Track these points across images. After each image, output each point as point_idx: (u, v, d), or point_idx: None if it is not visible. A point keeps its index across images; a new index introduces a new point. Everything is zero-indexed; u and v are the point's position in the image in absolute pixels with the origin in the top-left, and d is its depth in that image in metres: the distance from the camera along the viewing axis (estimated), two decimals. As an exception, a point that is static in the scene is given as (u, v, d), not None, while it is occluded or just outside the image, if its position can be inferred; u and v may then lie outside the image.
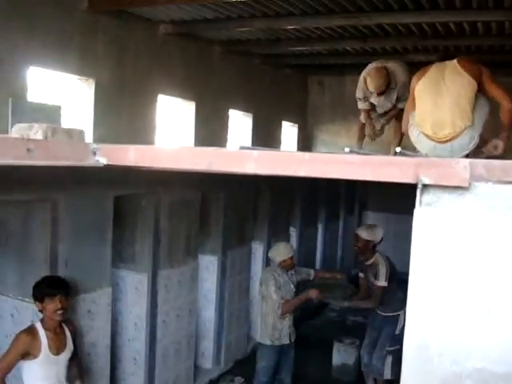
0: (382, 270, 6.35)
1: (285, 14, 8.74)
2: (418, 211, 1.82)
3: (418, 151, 4.45)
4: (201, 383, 7.21)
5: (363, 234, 6.54)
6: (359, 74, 6.71)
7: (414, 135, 4.47)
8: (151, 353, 6.14)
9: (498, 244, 1.75)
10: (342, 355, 7.84)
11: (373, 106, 6.76)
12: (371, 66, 6.48)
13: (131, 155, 2.13)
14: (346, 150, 2.08)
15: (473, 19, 8.92)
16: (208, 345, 7.58)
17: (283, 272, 6.15)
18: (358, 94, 6.73)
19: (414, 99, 4.56)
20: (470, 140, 4.36)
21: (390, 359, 6.57)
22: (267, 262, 8.58)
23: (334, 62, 12.79)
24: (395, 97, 6.44)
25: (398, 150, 2.66)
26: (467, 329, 1.77)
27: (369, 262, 6.54)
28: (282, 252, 6.14)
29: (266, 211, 8.52)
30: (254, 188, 8.10)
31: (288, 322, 6.16)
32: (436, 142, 4.34)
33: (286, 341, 6.15)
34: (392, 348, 6.49)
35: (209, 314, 7.51)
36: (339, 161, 1.83)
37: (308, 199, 10.10)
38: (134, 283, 6.06)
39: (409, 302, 1.85)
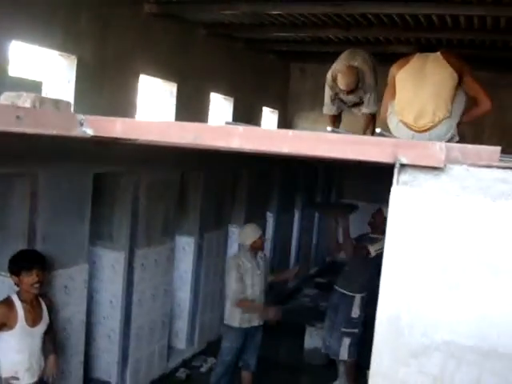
0: (382, 244, 6.38)
1: (270, -2, 8.76)
2: (394, 189, 1.89)
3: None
4: (174, 363, 7.27)
5: (385, 211, 6.54)
6: (342, 62, 6.80)
7: (393, 123, 4.55)
8: (126, 331, 6.18)
9: (469, 223, 1.83)
10: (313, 339, 7.95)
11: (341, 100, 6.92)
12: (342, 64, 6.58)
13: (118, 127, 2.16)
14: (328, 129, 2.14)
15: (455, 13, 9.02)
16: (182, 325, 7.64)
17: (252, 257, 6.13)
18: (327, 96, 6.84)
19: (393, 88, 4.63)
20: (447, 130, 4.48)
21: (347, 341, 6.64)
22: (242, 246, 8.69)
23: (317, 49, 12.82)
24: (362, 95, 6.63)
25: (378, 130, 2.73)
26: (437, 302, 1.86)
27: (374, 236, 6.55)
28: (250, 234, 6.14)
29: (243, 195, 8.57)
30: (233, 172, 8.15)
31: (259, 303, 6.16)
32: (415, 131, 4.43)
33: (255, 323, 6.14)
34: (348, 330, 6.59)
35: (184, 294, 7.56)
36: (321, 138, 1.90)
37: (286, 185, 10.18)
38: (111, 261, 6.08)
39: (383, 275, 1.93)
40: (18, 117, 1.91)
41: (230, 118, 12.61)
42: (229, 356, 6.13)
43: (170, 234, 6.76)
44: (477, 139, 12.26)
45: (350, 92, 6.52)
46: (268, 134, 2.00)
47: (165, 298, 6.82)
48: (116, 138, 2.23)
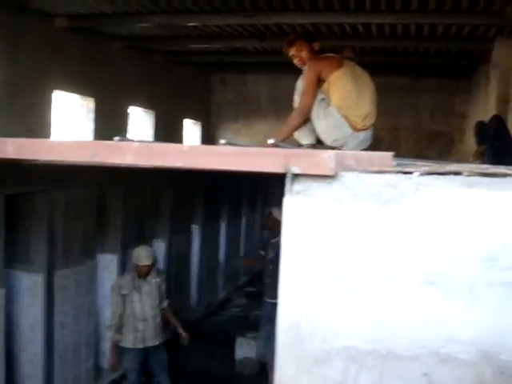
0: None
1: (183, 10, 8.75)
2: (287, 200, 1.91)
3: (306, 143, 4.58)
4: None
5: (276, 212, 6.60)
6: (260, 72, 6.86)
7: (335, 118, 4.49)
8: (49, 354, 5.98)
9: (361, 229, 1.87)
10: (244, 349, 7.95)
11: None
12: None
13: (10, 148, 2.09)
14: (222, 142, 2.15)
15: (367, 21, 9.30)
16: (108, 345, 7.45)
17: (137, 278, 6.13)
18: None
19: (317, 81, 4.57)
20: (371, 136, 4.65)
21: None
22: (169, 260, 8.60)
23: (235, 60, 12.92)
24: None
25: (271, 141, 2.75)
26: (335, 309, 1.89)
27: (274, 240, 6.55)
28: (140, 256, 6.12)
29: (167, 208, 8.48)
30: (156, 185, 8.05)
31: (151, 324, 6.16)
32: (358, 130, 4.53)
33: (150, 343, 6.15)
34: None
35: (109, 313, 7.39)
36: (215, 152, 1.90)
37: (211, 196, 10.15)
38: (29, 284, 5.87)
39: (281, 285, 1.94)
40: None
41: (151, 132, 12.51)
42: (132, 376, 6.20)
43: (91, 253, 6.60)
44: (394, 143, 12.53)
45: None
46: (162, 150, 1.98)
47: (88, 318, 6.64)
48: (10, 160, 2.16)
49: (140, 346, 6.11)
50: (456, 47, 11.16)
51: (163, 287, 6.41)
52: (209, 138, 15.38)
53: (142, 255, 6.17)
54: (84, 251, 6.42)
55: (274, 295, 6.66)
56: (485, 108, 10.41)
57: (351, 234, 1.87)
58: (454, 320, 1.86)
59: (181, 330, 6.48)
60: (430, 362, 1.88)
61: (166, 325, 6.47)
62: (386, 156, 2.03)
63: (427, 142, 14.27)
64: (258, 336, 7.16)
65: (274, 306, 6.49)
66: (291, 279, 1.91)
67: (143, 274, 6.16)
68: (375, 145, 4.81)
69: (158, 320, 6.26)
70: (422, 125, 14.42)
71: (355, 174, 1.90)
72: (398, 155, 2.38)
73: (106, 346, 7.40)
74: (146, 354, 6.19)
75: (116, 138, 2.38)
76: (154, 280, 6.25)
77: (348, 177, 1.88)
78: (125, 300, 6.09)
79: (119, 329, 6.10)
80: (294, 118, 4.53)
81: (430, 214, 1.85)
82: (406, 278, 1.86)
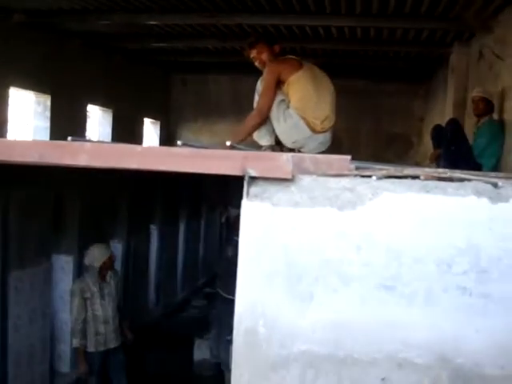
0: None
1: (143, 8, 8.65)
2: (245, 203, 1.88)
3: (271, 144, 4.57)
4: (58, 387, 6.96)
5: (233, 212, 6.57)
6: (221, 72, 6.82)
7: (294, 119, 4.47)
8: (2, 358, 5.84)
9: (318, 233, 1.85)
10: (202, 351, 7.90)
11: None
12: None
13: (-44, 147, 2.01)
14: (179, 143, 2.11)
15: (327, 24, 9.35)
16: (65, 347, 7.30)
17: (100, 277, 6.05)
18: None
19: (276, 83, 4.55)
20: (330, 137, 4.66)
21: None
22: (127, 261, 8.48)
23: (196, 60, 12.85)
24: None
25: (228, 143, 2.72)
26: (292, 313, 1.87)
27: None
28: (98, 256, 6.04)
29: (125, 208, 8.38)
30: (114, 185, 7.93)
31: (112, 326, 6.12)
32: (317, 132, 4.52)
33: (112, 344, 6.11)
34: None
35: (65, 316, 7.22)
36: (170, 153, 1.85)
37: (169, 197, 10.07)
38: (-18, 285, 5.73)
39: (237, 289, 1.91)
40: None
41: (109, 130, 12.33)
42: (92, 380, 6.11)
43: (46, 254, 6.46)
44: (353, 145, 12.64)
45: None
46: (116, 150, 1.93)
47: (44, 321, 6.51)
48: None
49: (102, 348, 6.04)
50: (415, 51, 11.31)
51: (120, 285, 6.36)
52: (168, 137, 15.25)
53: (104, 250, 6.11)
54: (39, 252, 6.28)
55: (227, 290, 6.65)
56: (442, 111, 10.58)
57: (308, 238, 1.85)
58: (410, 324, 1.87)
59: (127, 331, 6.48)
60: (387, 367, 1.88)
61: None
62: (344, 159, 2.02)
63: (386, 145, 14.43)
64: (210, 337, 7.10)
65: (226, 301, 6.48)
66: (248, 283, 1.89)
67: (110, 266, 6.11)
68: (335, 147, 4.83)
69: (117, 320, 6.21)
70: (381, 127, 14.59)
71: (313, 177, 1.88)
72: (357, 157, 2.37)
73: (62, 349, 7.26)
74: (105, 356, 6.12)
75: (69, 138, 2.32)
76: (112, 280, 6.17)
77: (305, 180, 1.87)
78: (86, 304, 5.98)
79: (83, 334, 5.98)
80: (252, 119, 4.51)
81: (387, 219, 1.85)
82: (362, 282, 1.86)
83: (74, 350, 6.13)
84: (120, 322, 6.34)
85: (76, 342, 6.01)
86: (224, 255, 6.61)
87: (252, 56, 4.70)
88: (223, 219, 6.64)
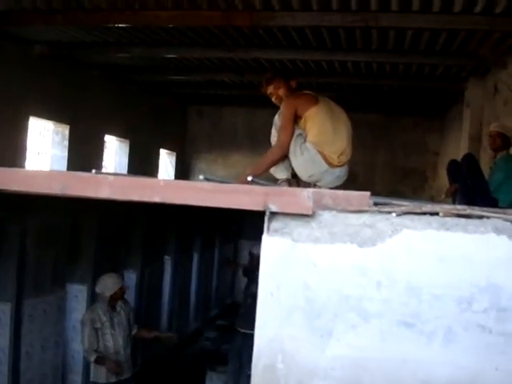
0: None
1: (163, 42, 8.80)
2: (265, 237, 1.89)
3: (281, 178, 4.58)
4: (68, 417, 6.91)
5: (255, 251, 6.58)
6: (237, 105, 6.90)
7: (311, 153, 4.51)
8: (14, 386, 5.83)
9: (338, 269, 1.85)
10: (214, 383, 7.84)
11: None
12: None
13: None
14: (201, 177, 2.13)
15: (343, 59, 9.45)
16: (76, 378, 7.27)
17: (111, 307, 6.06)
18: None
19: (293, 117, 4.58)
20: (347, 171, 4.67)
21: None
22: (141, 291, 8.48)
23: (213, 92, 12.99)
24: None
25: (250, 178, 2.74)
26: (312, 350, 1.86)
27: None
28: (109, 285, 6.05)
29: (140, 239, 8.40)
30: (129, 216, 7.98)
31: (123, 356, 6.09)
32: (333, 166, 4.53)
33: (124, 376, 6.08)
34: None
35: (77, 345, 7.21)
36: (193, 188, 1.88)
37: (183, 228, 10.08)
38: (-3, 313, 5.75)
39: (257, 324, 1.91)
40: None
41: (126, 161, 12.44)
42: None
43: (61, 283, 6.49)
44: (369, 178, 12.64)
45: None
46: (139, 184, 1.96)
47: (56, 350, 6.51)
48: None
49: (113, 379, 5.98)
50: (430, 86, 11.37)
51: (132, 315, 6.33)
52: (183, 168, 15.36)
53: (116, 280, 6.12)
54: (54, 280, 6.32)
55: (246, 325, 6.60)
56: (457, 146, 10.59)
57: (328, 274, 1.85)
58: (430, 362, 1.85)
59: (164, 334, 6.42)
60: (406, 405, 1.86)
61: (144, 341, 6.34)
62: (364, 195, 2.03)
63: (401, 178, 14.43)
64: (228, 370, 7.06)
65: (245, 336, 6.46)
66: (267, 318, 1.88)
67: (121, 297, 6.11)
68: (350, 180, 4.83)
69: (129, 351, 6.17)
70: (397, 161, 14.60)
71: (333, 213, 1.89)
72: (372, 190, 2.38)
73: (74, 379, 7.23)
74: None
75: (93, 171, 2.35)
76: (123, 310, 6.16)
77: (326, 216, 1.88)
78: (97, 334, 5.96)
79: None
80: (273, 154, 4.53)
81: (407, 256, 1.85)
82: (382, 319, 1.85)
83: (95, 362, 5.95)
84: (132, 353, 6.31)
85: (93, 356, 5.91)
86: (249, 292, 6.59)
87: (269, 92, 4.74)
88: (245, 261, 6.66)
